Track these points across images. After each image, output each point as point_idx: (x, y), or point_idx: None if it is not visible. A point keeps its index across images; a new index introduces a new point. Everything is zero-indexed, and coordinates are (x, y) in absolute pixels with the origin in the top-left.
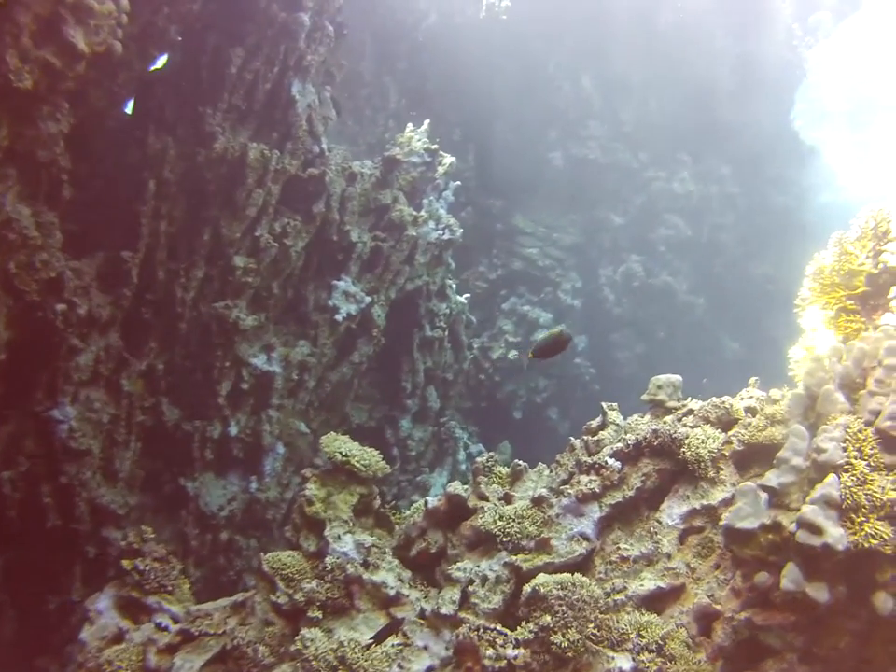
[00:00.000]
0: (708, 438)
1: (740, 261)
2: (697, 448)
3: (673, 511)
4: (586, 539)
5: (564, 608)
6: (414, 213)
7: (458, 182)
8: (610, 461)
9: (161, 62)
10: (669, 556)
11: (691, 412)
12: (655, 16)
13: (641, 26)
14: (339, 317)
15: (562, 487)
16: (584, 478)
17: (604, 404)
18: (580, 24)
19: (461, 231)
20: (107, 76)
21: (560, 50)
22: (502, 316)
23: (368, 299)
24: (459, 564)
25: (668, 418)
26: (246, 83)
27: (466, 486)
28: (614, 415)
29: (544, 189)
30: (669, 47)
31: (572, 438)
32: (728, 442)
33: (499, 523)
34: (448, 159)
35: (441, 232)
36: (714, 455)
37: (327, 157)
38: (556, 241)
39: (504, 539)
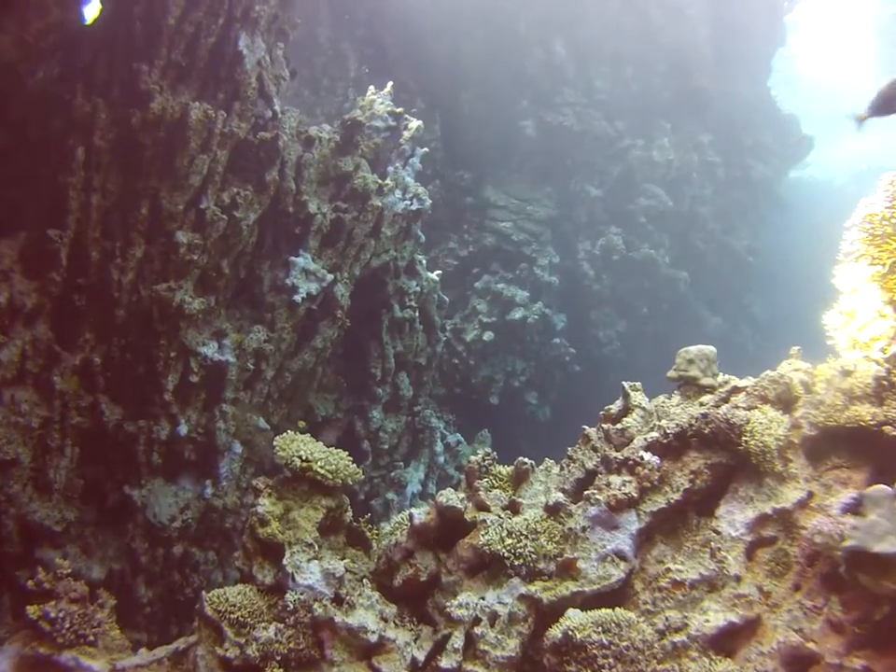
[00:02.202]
0: (772, 422)
1: (720, 234)
2: (762, 435)
3: (735, 517)
4: (623, 558)
5: (610, 659)
6: (379, 181)
7: (426, 148)
8: (647, 456)
9: (92, 14)
10: (738, 579)
11: (737, 389)
12: None
13: None
14: (298, 298)
15: (588, 493)
16: (615, 479)
17: (625, 384)
18: None
19: (430, 201)
20: (15, 19)
21: (531, 14)
22: (475, 296)
23: (330, 277)
24: (460, 597)
25: (707, 398)
26: (187, 36)
27: (460, 494)
28: (638, 397)
29: (516, 160)
30: (644, 11)
31: (586, 427)
32: (796, 426)
33: (508, 541)
34: (414, 123)
35: (409, 202)
36: (781, 443)
37: (280, 120)
38: (531, 214)
39: (515, 563)
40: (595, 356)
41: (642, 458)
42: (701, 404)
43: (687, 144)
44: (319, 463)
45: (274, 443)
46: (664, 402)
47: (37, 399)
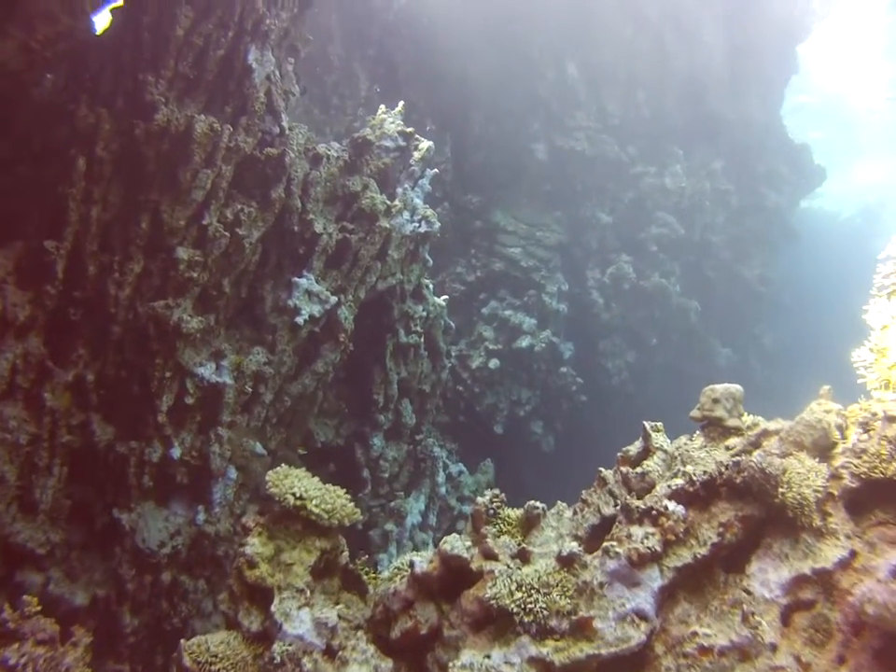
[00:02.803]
0: (810, 472)
1: (732, 263)
2: (800, 487)
3: (769, 576)
4: (644, 618)
5: None
6: (387, 202)
7: (436, 170)
8: (671, 506)
9: (103, 24)
10: (774, 648)
11: (767, 433)
12: (642, 5)
13: (628, 13)
14: (300, 320)
15: (607, 545)
16: (637, 530)
17: (646, 424)
18: (564, 9)
19: (438, 224)
20: (21, 26)
21: (544, 36)
22: (482, 322)
23: (334, 299)
24: (463, 656)
25: (733, 441)
26: (196, 49)
27: (466, 541)
28: (660, 439)
29: (526, 184)
30: (658, 36)
31: (602, 469)
32: (836, 477)
33: (517, 595)
34: (425, 143)
35: (417, 224)
36: (820, 494)
37: (287, 136)
38: (540, 240)
39: (525, 619)
40: (603, 386)
41: (666, 508)
42: (727, 448)
43: (700, 171)
44: (314, 502)
45: (267, 478)
46: (686, 444)
47: (26, 415)
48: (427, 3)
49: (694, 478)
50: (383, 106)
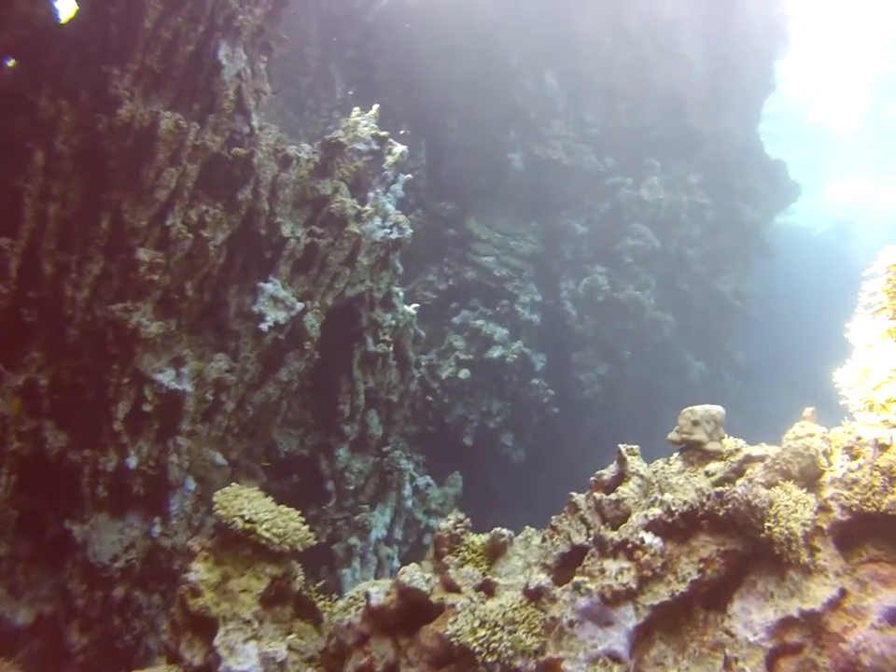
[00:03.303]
0: (798, 503)
1: (707, 277)
2: (788, 521)
3: (752, 617)
4: (617, 660)
5: None
6: (358, 207)
7: (409, 175)
8: (648, 538)
9: (67, 12)
10: None
11: (750, 459)
12: (623, 17)
13: (608, 26)
14: (264, 327)
15: (578, 581)
16: (611, 564)
17: (622, 447)
18: (544, 19)
19: (410, 231)
20: None
21: (524, 45)
22: (452, 331)
23: (300, 305)
24: None
25: (714, 466)
26: (164, 42)
27: (426, 573)
28: (636, 464)
29: (502, 193)
30: (637, 48)
31: (574, 494)
32: (825, 509)
33: (480, 632)
34: (399, 148)
35: (389, 231)
36: (808, 528)
37: (257, 136)
38: (514, 249)
39: (488, 659)
40: (575, 398)
41: (643, 541)
42: (707, 474)
43: (677, 184)
44: (265, 525)
45: (215, 499)
46: (663, 469)
47: None
48: (408, 7)
49: (673, 508)
50: (357, 109)
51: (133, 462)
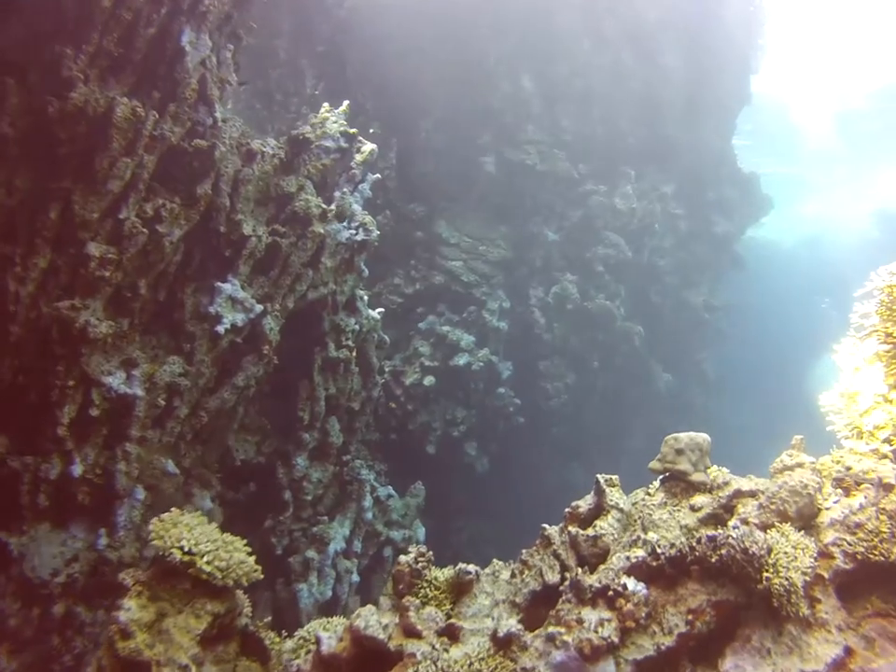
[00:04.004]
0: (797, 549)
1: (678, 288)
2: (788, 571)
3: None
4: None
5: None
6: (324, 206)
7: (378, 175)
8: (631, 584)
9: None
10: None
11: (740, 494)
12: (603, 21)
13: (587, 30)
14: (221, 329)
15: (553, 632)
16: (590, 614)
17: (600, 477)
18: (522, 21)
19: (377, 232)
20: None
21: (500, 47)
22: (418, 337)
23: (259, 307)
24: None
25: (700, 500)
26: (123, 23)
27: (384, 616)
28: (615, 496)
29: (473, 197)
30: (616, 54)
31: (546, 526)
32: (826, 556)
33: None
34: (368, 146)
35: (355, 232)
36: (808, 577)
37: (220, 128)
38: (483, 254)
39: None
40: (541, 408)
41: (625, 588)
42: (693, 508)
43: (651, 193)
44: (206, 558)
45: (150, 528)
46: (644, 501)
47: None
48: (382, 3)
49: (659, 550)
50: (326, 104)
51: (77, 469)
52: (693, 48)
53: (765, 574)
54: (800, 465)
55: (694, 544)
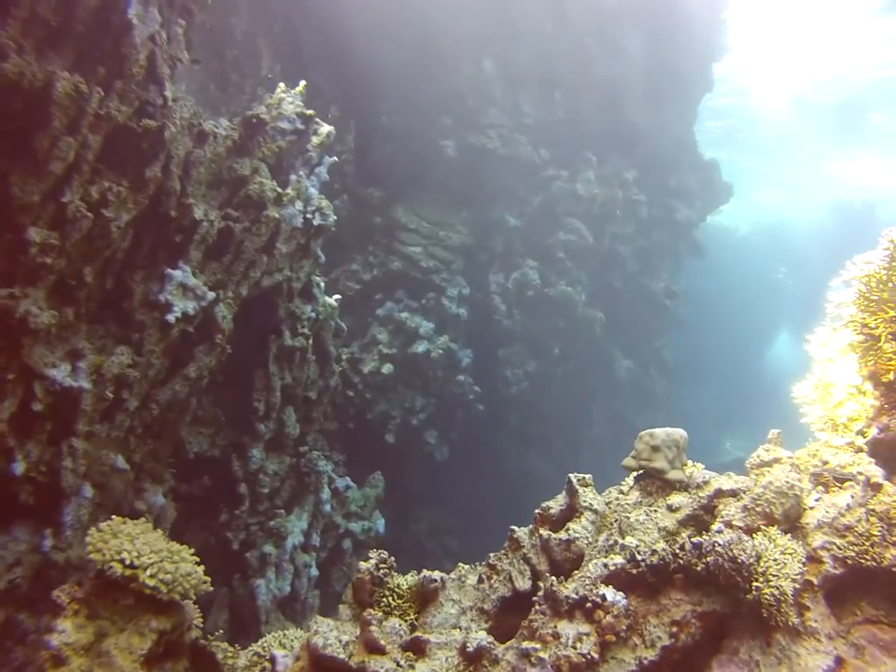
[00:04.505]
0: (786, 554)
1: (638, 274)
2: (779, 579)
3: None
4: None
5: None
6: (279, 189)
7: (335, 158)
8: (610, 595)
9: None
10: None
11: (721, 493)
12: (566, 5)
13: (549, 12)
14: (171, 318)
15: (527, 647)
16: (567, 627)
17: (572, 477)
18: (484, 3)
19: (334, 217)
20: None
21: (461, 28)
22: (376, 324)
23: (211, 295)
24: None
25: (677, 500)
26: None
27: (343, 631)
28: (589, 496)
29: (432, 181)
30: (578, 38)
31: (515, 528)
32: (815, 560)
33: None
34: (325, 128)
35: (311, 216)
36: (797, 585)
37: (170, 108)
38: (443, 240)
39: None
40: (501, 395)
41: (604, 599)
42: (670, 508)
43: (612, 179)
44: (149, 571)
45: (88, 539)
46: (618, 500)
47: None
48: None
49: (639, 557)
50: (282, 85)
51: (19, 468)
52: (656, 34)
53: (755, 584)
54: (777, 460)
55: (678, 551)
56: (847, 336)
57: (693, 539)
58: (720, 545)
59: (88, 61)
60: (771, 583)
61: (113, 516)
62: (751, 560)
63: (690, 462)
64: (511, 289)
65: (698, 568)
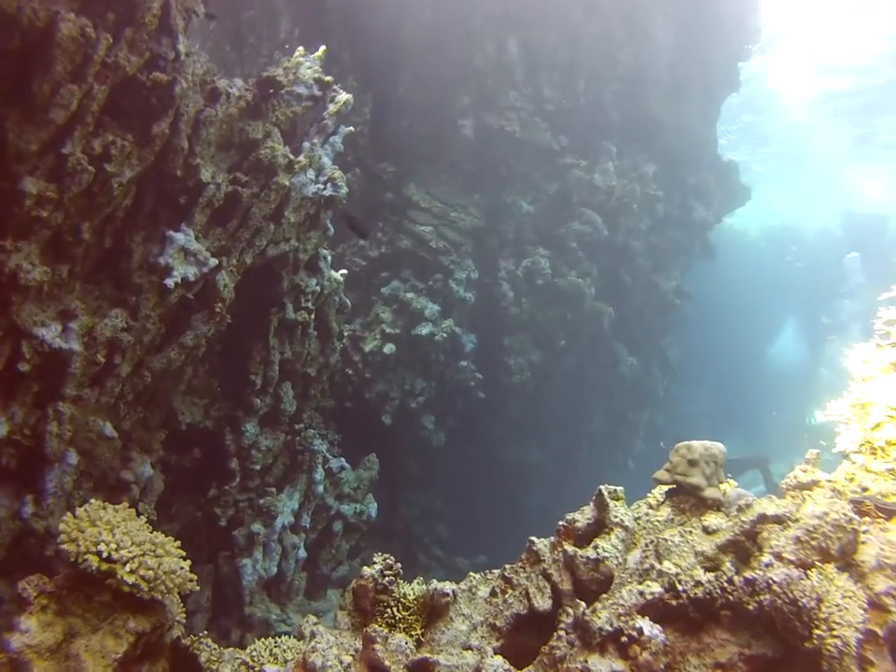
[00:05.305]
0: (846, 597)
1: (650, 271)
2: (842, 627)
3: None
4: None
5: None
6: (291, 156)
7: (351, 128)
8: (647, 628)
9: None
10: None
11: (765, 520)
12: None
13: None
14: (170, 282)
15: None
16: (599, 664)
17: (603, 489)
18: None
19: (346, 189)
20: None
21: (487, 6)
22: (380, 302)
23: (213, 261)
24: None
25: (713, 521)
26: None
27: (343, 635)
28: (620, 511)
29: (447, 160)
30: (606, 24)
31: (534, 538)
32: (878, 607)
33: None
34: (343, 96)
35: (322, 186)
36: (860, 635)
37: (182, 62)
38: (454, 221)
39: None
40: (502, 384)
41: (640, 632)
42: (706, 530)
43: (631, 172)
44: (129, 566)
45: (61, 528)
46: (648, 516)
47: None
48: None
49: (680, 588)
50: (301, 48)
51: (2, 430)
52: (686, 27)
53: (816, 631)
54: (816, 482)
55: (726, 585)
56: (893, 355)
57: (746, 574)
58: (776, 583)
59: (97, 4)
60: (835, 632)
61: (96, 495)
62: (812, 604)
63: (728, 480)
64: (521, 277)
65: (750, 607)
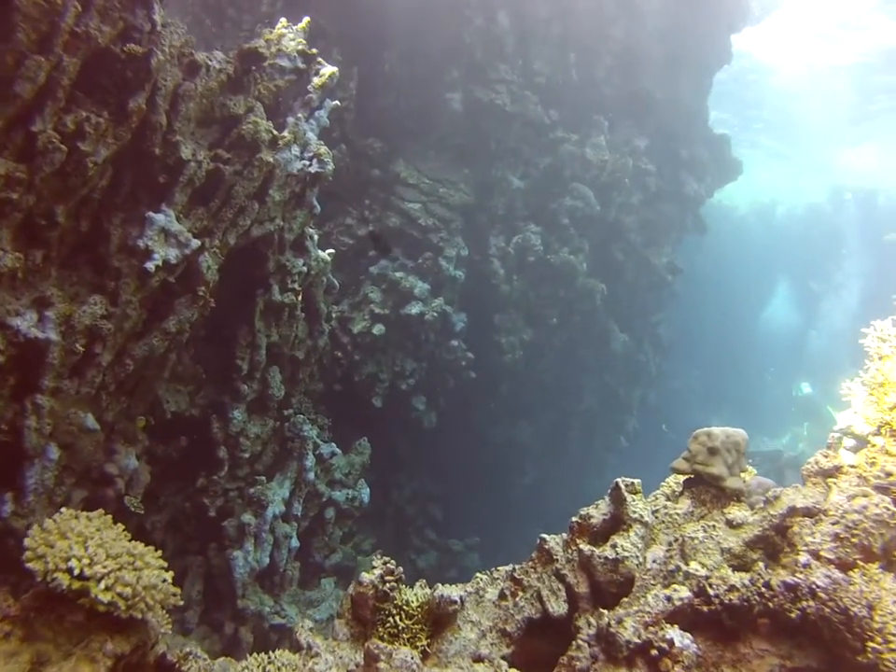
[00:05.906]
0: None
1: (641, 247)
2: None
3: None
4: None
5: None
6: (274, 132)
7: (337, 102)
8: (678, 639)
9: None
10: None
11: (795, 512)
12: None
13: None
14: (151, 266)
15: None
16: None
17: (620, 482)
18: None
19: (332, 166)
20: None
21: None
22: (368, 282)
23: (196, 243)
24: None
25: (737, 514)
26: None
27: (341, 647)
28: (638, 507)
29: (436, 136)
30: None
31: (545, 536)
32: None
33: None
34: (328, 69)
35: (308, 163)
36: None
37: (159, 34)
38: (443, 197)
39: None
40: (494, 363)
41: (671, 645)
42: (731, 523)
43: (623, 147)
44: (104, 583)
45: (26, 543)
46: (667, 509)
47: None
48: None
49: (712, 592)
50: (284, 20)
51: None
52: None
53: (871, 644)
54: (839, 468)
55: (763, 590)
56: None
57: (787, 579)
58: (821, 588)
59: None
60: (891, 645)
61: (77, 486)
62: (864, 612)
63: (748, 468)
64: (512, 254)
65: (792, 615)
